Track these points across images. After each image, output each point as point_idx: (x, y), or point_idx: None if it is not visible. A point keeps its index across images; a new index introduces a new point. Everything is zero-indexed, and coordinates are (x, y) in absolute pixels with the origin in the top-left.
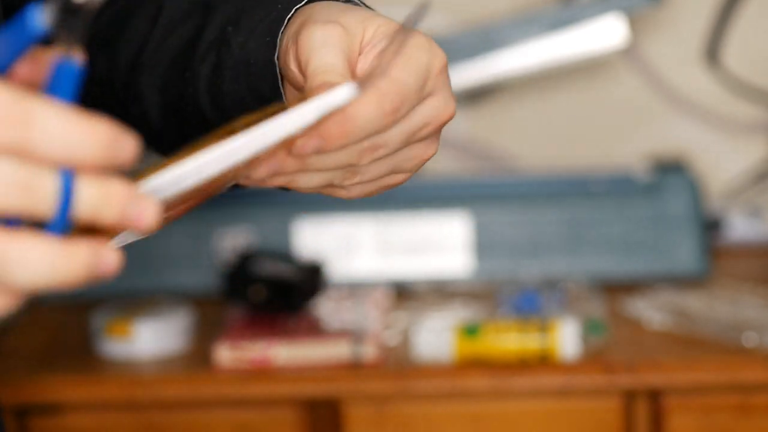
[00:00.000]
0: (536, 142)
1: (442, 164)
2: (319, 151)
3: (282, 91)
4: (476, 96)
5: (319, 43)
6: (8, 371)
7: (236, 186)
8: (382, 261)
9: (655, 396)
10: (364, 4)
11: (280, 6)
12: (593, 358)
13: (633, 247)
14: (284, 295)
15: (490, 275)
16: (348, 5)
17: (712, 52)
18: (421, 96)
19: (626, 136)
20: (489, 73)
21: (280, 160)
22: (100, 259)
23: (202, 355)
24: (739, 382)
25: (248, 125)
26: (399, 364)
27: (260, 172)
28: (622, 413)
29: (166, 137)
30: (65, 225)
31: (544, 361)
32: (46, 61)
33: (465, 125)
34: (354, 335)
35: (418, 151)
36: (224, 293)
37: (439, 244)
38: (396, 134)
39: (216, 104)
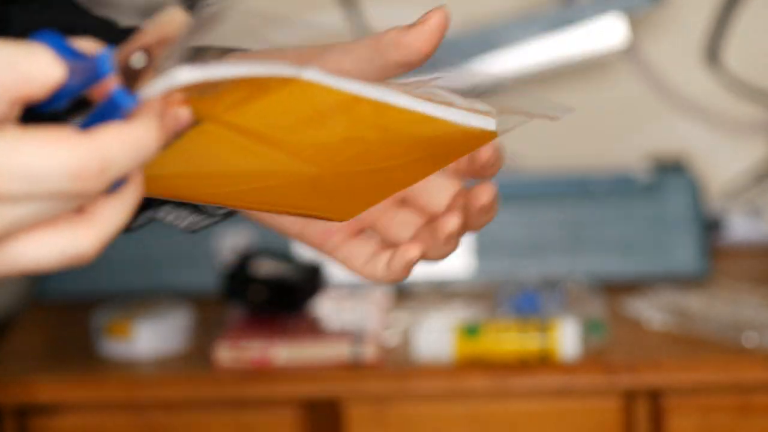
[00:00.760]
0: (536, 142)
1: None
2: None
3: None
4: (476, 96)
5: None
6: (8, 371)
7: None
8: None
9: (655, 396)
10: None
11: None
12: (593, 358)
13: (633, 247)
14: (284, 295)
15: (490, 275)
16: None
17: (712, 52)
18: None
19: (626, 136)
20: (489, 73)
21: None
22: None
23: (202, 355)
24: (739, 382)
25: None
26: (399, 364)
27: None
28: (622, 413)
29: None
30: None
31: (544, 362)
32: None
33: None
34: (354, 335)
35: None
36: (224, 293)
37: None
38: None
39: None
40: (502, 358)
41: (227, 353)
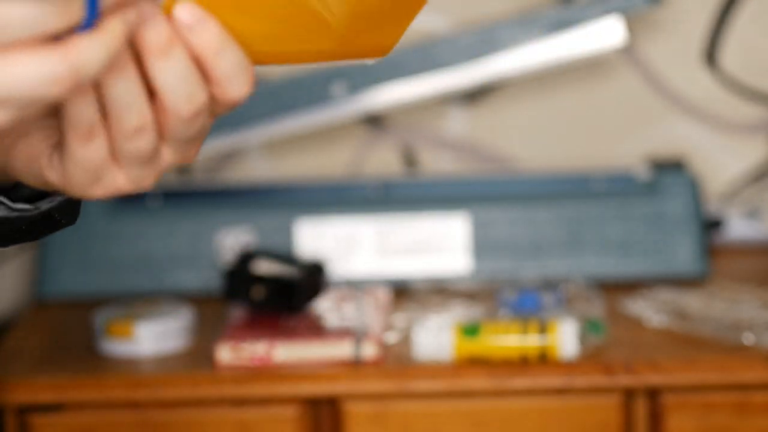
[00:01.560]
0: (535, 142)
1: (442, 164)
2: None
3: None
4: (476, 96)
5: None
6: (10, 371)
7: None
8: (382, 261)
9: (654, 395)
10: None
11: None
12: (592, 358)
13: (632, 247)
14: (284, 295)
15: (489, 275)
16: None
17: (710, 53)
18: None
19: (625, 137)
20: (489, 73)
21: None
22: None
23: (203, 355)
24: (737, 381)
25: None
26: (399, 364)
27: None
28: (621, 413)
29: None
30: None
31: (543, 361)
32: None
33: (465, 125)
34: (354, 335)
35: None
36: (225, 293)
37: (439, 244)
38: None
39: None
40: (501, 358)
41: (228, 353)
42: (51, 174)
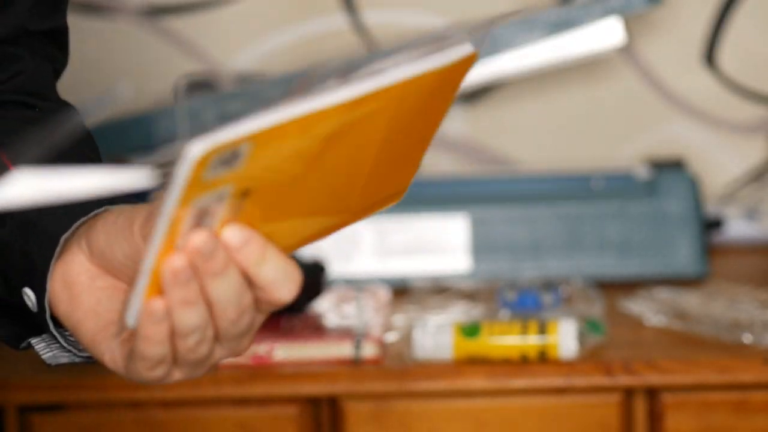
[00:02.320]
0: (535, 142)
1: (442, 165)
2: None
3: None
4: (476, 96)
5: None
6: (10, 370)
7: None
8: (382, 261)
9: (653, 395)
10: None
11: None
12: (592, 357)
13: (632, 247)
14: None
15: (489, 275)
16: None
17: (709, 54)
18: None
19: (625, 137)
20: (489, 73)
21: None
22: None
23: None
24: (736, 381)
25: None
26: (399, 364)
27: None
28: (621, 413)
29: None
30: None
31: (543, 361)
32: None
33: (464, 126)
34: (354, 335)
35: None
36: None
37: (439, 244)
38: None
39: None
40: (501, 358)
41: None
42: (110, 362)
